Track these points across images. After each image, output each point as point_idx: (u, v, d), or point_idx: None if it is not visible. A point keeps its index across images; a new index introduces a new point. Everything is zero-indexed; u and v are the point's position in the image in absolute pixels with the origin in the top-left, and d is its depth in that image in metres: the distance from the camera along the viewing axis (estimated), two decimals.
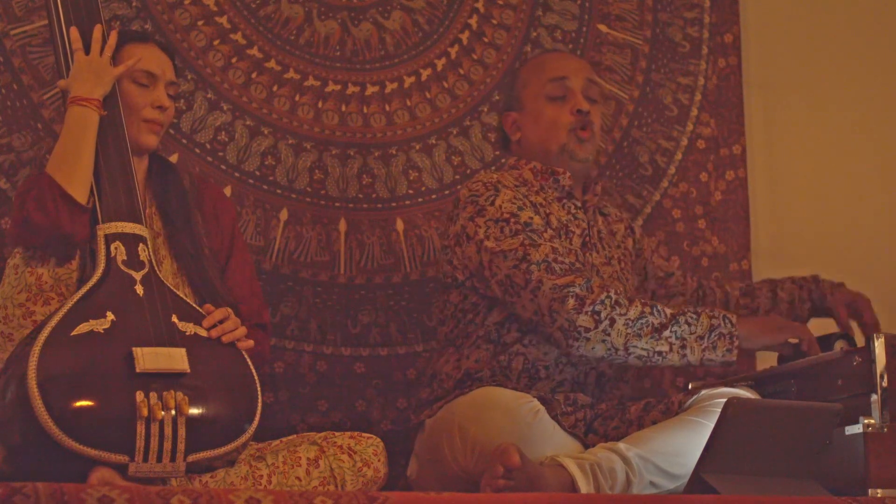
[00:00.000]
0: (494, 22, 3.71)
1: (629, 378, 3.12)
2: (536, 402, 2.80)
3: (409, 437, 3.05)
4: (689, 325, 2.84)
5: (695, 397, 2.84)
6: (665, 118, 3.80)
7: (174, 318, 2.57)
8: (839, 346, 2.89)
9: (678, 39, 3.84)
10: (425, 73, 3.63)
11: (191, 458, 2.45)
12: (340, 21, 3.58)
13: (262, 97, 3.48)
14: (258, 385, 2.59)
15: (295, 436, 2.80)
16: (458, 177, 3.59)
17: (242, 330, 2.64)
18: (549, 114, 3.08)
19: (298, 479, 2.63)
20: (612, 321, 2.80)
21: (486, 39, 3.69)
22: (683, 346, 2.83)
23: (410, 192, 3.56)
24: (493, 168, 3.59)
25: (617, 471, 2.67)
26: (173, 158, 3.29)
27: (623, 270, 3.14)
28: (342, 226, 3.50)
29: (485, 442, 2.72)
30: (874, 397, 2.65)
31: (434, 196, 3.57)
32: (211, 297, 2.72)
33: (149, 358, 2.46)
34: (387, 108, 3.58)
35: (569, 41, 3.75)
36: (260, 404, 2.57)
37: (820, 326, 3.04)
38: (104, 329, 2.49)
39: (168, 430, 2.42)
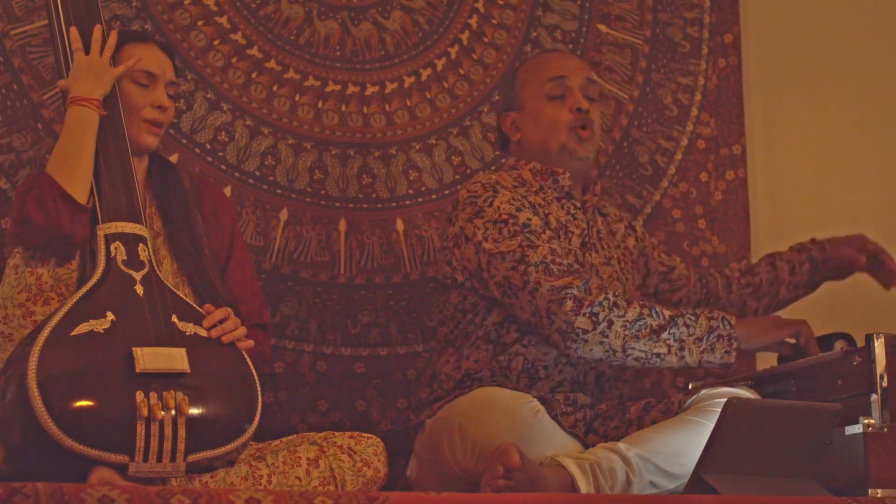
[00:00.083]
0: (494, 22, 3.71)
1: (628, 377, 3.12)
2: (536, 403, 2.80)
3: (409, 437, 3.05)
4: (688, 326, 2.84)
5: (695, 397, 2.84)
6: (665, 118, 3.80)
7: (174, 318, 2.57)
8: (839, 346, 2.89)
9: (678, 39, 3.84)
10: (425, 73, 3.63)
11: (191, 458, 2.45)
12: (340, 21, 3.58)
13: (262, 97, 3.48)
14: (258, 385, 2.59)
15: (295, 436, 2.80)
16: (458, 177, 3.59)
17: (242, 330, 2.64)
18: (548, 113, 3.08)
19: (298, 479, 2.63)
20: (610, 323, 2.80)
21: (486, 39, 3.69)
22: (682, 348, 2.83)
23: (410, 192, 3.56)
24: (492, 168, 3.59)
25: (617, 471, 2.67)
26: (173, 158, 3.29)
27: (623, 270, 3.14)
28: (342, 226, 3.50)
29: (485, 442, 2.72)
30: (874, 397, 2.65)
31: (434, 196, 3.57)
32: (211, 297, 2.72)
33: (149, 358, 2.46)
34: (387, 108, 3.58)
35: (569, 41, 3.75)
36: (260, 404, 2.57)
37: (820, 326, 3.03)
38: (104, 329, 2.49)
39: (168, 430, 2.42)
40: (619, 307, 2.81)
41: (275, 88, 3.50)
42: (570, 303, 2.80)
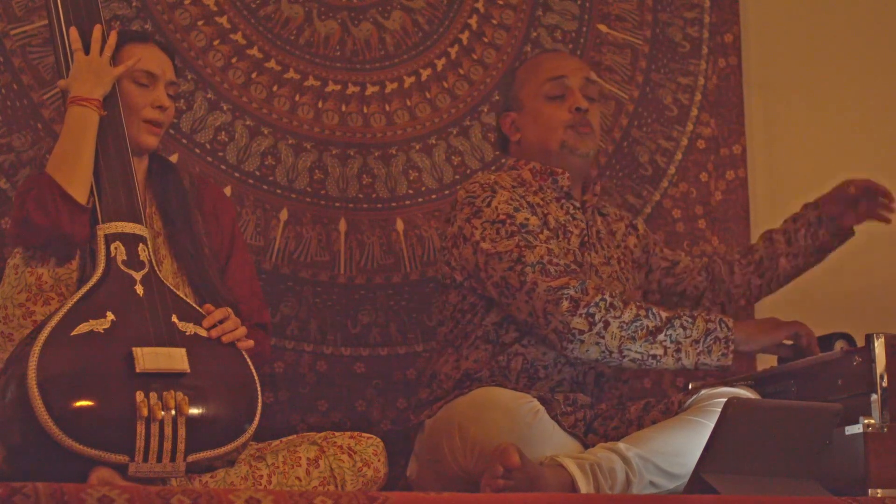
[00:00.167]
0: (494, 22, 3.71)
1: (628, 377, 3.12)
2: (536, 403, 2.80)
3: (409, 438, 3.05)
4: (685, 328, 2.83)
5: (695, 397, 2.84)
6: (665, 118, 3.80)
7: (174, 318, 2.57)
8: (839, 346, 2.89)
9: (678, 39, 3.84)
10: (425, 73, 3.63)
11: (191, 458, 2.45)
12: (340, 21, 3.58)
13: (262, 97, 3.48)
14: (258, 385, 2.59)
15: (295, 436, 2.80)
16: (457, 177, 3.59)
17: (242, 330, 2.64)
18: (547, 113, 3.08)
19: (298, 479, 2.63)
20: (607, 324, 2.80)
21: (486, 39, 3.69)
22: (678, 350, 2.83)
23: (410, 192, 3.56)
24: (492, 168, 3.59)
25: (617, 471, 2.67)
26: (173, 158, 3.29)
27: (623, 270, 3.14)
28: (342, 226, 3.50)
29: (484, 442, 2.72)
30: (874, 397, 2.65)
31: (434, 196, 3.57)
32: (211, 297, 2.72)
33: (149, 358, 2.46)
34: (387, 108, 3.58)
35: (569, 41, 3.75)
36: (260, 404, 2.57)
37: (820, 326, 3.03)
38: (104, 329, 2.49)
39: (168, 430, 2.42)
40: (615, 308, 2.81)
41: (275, 88, 3.50)
42: (566, 303, 2.80)
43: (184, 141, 3.40)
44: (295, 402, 3.38)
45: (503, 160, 3.36)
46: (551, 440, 2.77)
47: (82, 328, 2.47)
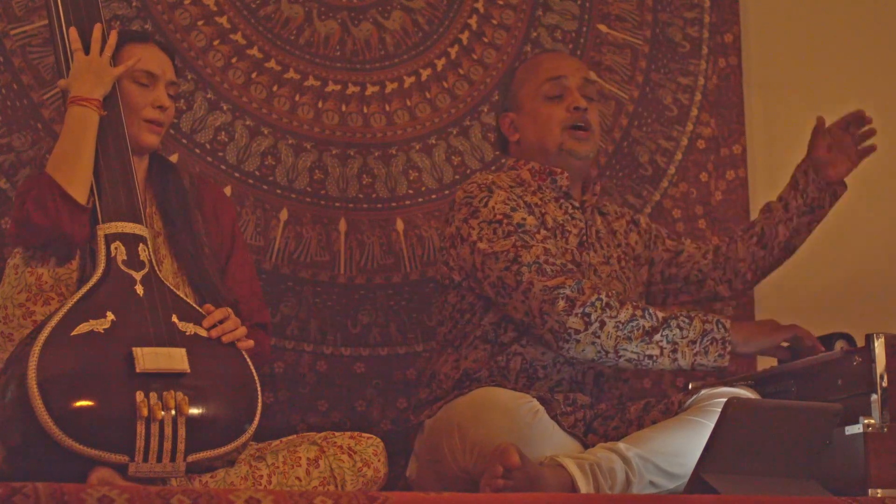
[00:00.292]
0: (494, 22, 3.71)
1: (628, 377, 3.12)
2: (536, 402, 2.80)
3: (409, 438, 3.05)
4: (681, 329, 2.83)
5: (695, 397, 2.84)
6: (665, 118, 3.79)
7: (174, 318, 2.57)
8: (839, 346, 2.88)
9: (678, 39, 3.84)
10: (425, 73, 3.63)
11: (191, 458, 2.45)
12: (340, 21, 3.58)
13: (262, 97, 3.48)
14: (258, 385, 2.59)
15: (295, 436, 2.80)
16: (457, 177, 3.59)
17: (242, 330, 2.64)
18: (545, 112, 3.08)
19: (298, 479, 2.63)
20: (602, 323, 2.80)
21: (486, 39, 3.69)
22: (674, 351, 2.83)
23: (410, 192, 3.56)
24: (492, 168, 3.59)
25: (617, 471, 2.67)
26: (173, 158, 3.29)
27: (623, 269, 3.14)
28: (342, 226, 3.50)
29: (484, 442, 2.72)
30: (874, 397, 2.65)
31: (434, 196, 3.57)
32: (211, 297, 2.72)
33: (149, 358, 2.46)
34: (387, 108, 3.58)
35: (569, 41, 3.75)
36: (260, 404, 2.57)
37: (820, 326, 3.03)
38: (104, 329, 2.49)
39: (168, 430, 2.42)
40: (611, 308, 2.81)
41: (275, 88, 3.50)
42: (562, 303, 2.80)
43: (184, 141, 3.40)
44: (295, 402, 3.38)
45: (503, 160, 3.36)
46: (551, 440, 2.78)
47: (82, 328, 2.47)
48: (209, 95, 3.44)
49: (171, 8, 3.44)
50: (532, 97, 3.11)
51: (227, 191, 3.40)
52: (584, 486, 2.63)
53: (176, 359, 2.49)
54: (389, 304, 3.49)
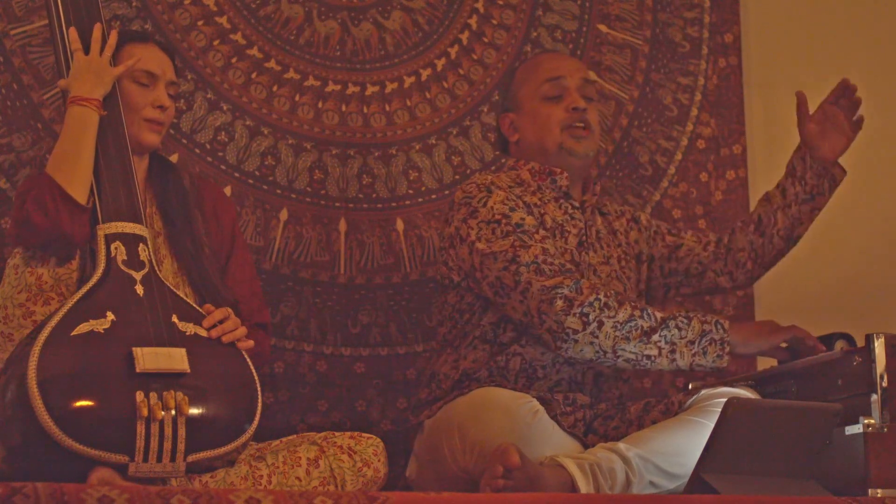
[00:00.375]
0: (494, 22, 3.71)
1: (628, 377, 3.12)
2: (536, 402, 2.80)
3: (409, 438, 3.05)
4: (680, 329, 2.83)
5: (695, 397, 2.84)
6: (665, 118, 3.79)
7: (174, 318, 2.57)
8: (839, 346, 2.88)
9: (678, 39, 3.84)
10: (425, 73, 3.63)
11: (191, 458, 2.45)
12: (340, 21, 3.58)
13: (262, 97, 3.48)
14: (258, 385, 2.59)
15: (295, 436, 2.80)
16: (457, 177, 3.59)
17: (242, 330, 2.64)
18: (545, 113, 3.08)
19: (298, 479, 2.63)
20: (601, 323, 2.80)
21: (486, 39, 3.69)
22: (673, 351, 2.83)
23: (410, 192, 3.56)
24: (492, 168, 3.59)
25: (617, 471, 2.67)
26: (173, 158, 3.29)
27: (623, 269, 3.14)
28: (342, 226, 3.50)
29: (484, 442, 2.72)
30: (874, 397, 2.65)
31: (434, 196, 3.57)
32: (211, 297, 2.72)
33: (149, 358, 2.46)
34: (387, 108, 3.58)
35: (569, 41, 3.75)
36: (260, 404, 2.57)
37: (820, 326, 3.03)
38: (104, 329, 2.49)
39: (168, 430, 2.42)
40: (609, 308, 2.81)
41: (275, 88, 3.50)
42: (560, 302, 2.81)
43: (184, 141, 3.40)
44: (295, 402, 3.38)
45: (502, 160, 3.36)
46: (551, 440, 2.78)
47: (82, 328, 2.47)
48: (209, 95, 3.44)
49: (171, 8, 3.44)
50: (531, 97, 3.11)
51: (227, 191, 3.40)
52: (584, 486, 2.63)
53: (176, 359, 2.49)
54: (389, 304, 3.49)
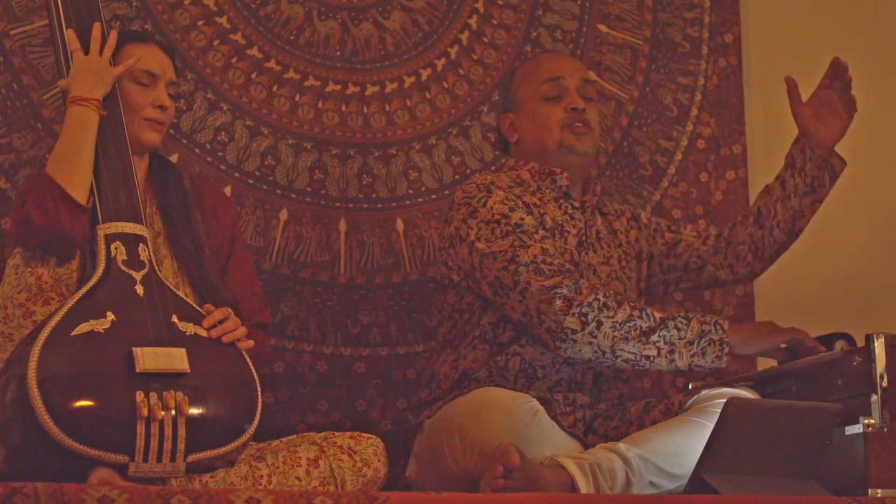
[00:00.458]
0: (494, 22, 3.71)
1: (628, 377, 3.12)
2: (536, 402, 2.80)
3: (409, 438, 3.05)
4: (679, 329, 2.83)
5: (695, 398, 2.84)
6: (665, 118, 3.79)
7: (174, 318, 2.57)
8: (839, 346, 2.88)
9: (678, 39, 3.84)
10: (425, 74, 3.63)
11: (191, 458, 2.45)
12: (340, 21, 3.58)
13: (262, 97, 3.48)
14: (258, 385, 2.59)
15: (295, 436, 2.80)
16: (457, 177, 3.59)
17: (242, 330, 2.64)
18: (544, 113, 3.08)
19: (298, 479, 2.63)
20: (599, 323, 2.80)
21: (485, 39, 3.69)
22: (672, 352, 2.82)
23: (410, 192, 3.56)
24: (492, 168, 3.59)
25: (617, 471, 2.67)
26: (173, 158, 3.29)
27: (623, 269, 3.14)
28: (342, 226, 3.50)
29: (484, 442, 2.72)
30: (874, 397, 2.65)
31: (434, 196, 3.57)
32: (211, 297, 2.72)
33: (149, 358, 2.46)
34: (387, 108, 3.58)
35: (569, 41, 3.75)
36: (260, 404, 2.57)
37: (820, 326, 3.03)
38: (104, 329, 2.49)
39: (168, 430, 2.42)
40: (608, 308, 2.81)
41: (275, 88, 3.50)
42: (559, 302, 2.81)
43: (184, 141, 3.40)
44: (295, 402, 3.38)
45: (502, 160, 3.36)
46: (551, 440, 2.78)
47: (82, 328, 2.47)
48: (209, 95, 3.44)
49: (171, 8, 3.44)
50: (531, 98, 3.11)
51: (227, 191, 3.40)
52: (584, 487, 2.63)
53: (176, 359, 2.49)
54: (389, 304, 3.49)
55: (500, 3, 3.72)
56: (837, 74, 3.02)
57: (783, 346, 2.91)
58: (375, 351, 3.47)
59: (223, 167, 3.43)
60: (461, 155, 3.62)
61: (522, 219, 2.94)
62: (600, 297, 2.81)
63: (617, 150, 3.74)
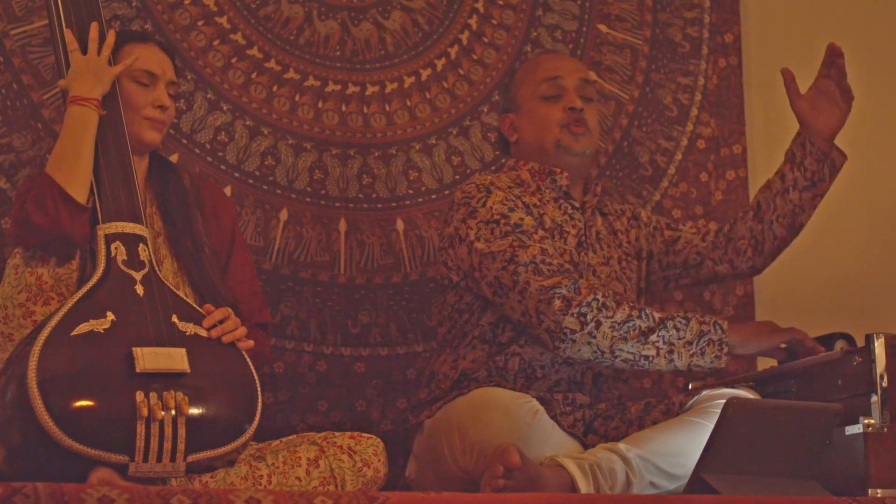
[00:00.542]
0: (494, 22, 3.71)
1: (627, 377, 3.12)
2: (535, 402, 2.80)
3: (409, 438, 3.05)
4: (678, 329, 2.83)
5: (696, 398, 2.84)
6: (665, 118, 3.79)
7: (174, 318, 2.57)
8: (839, 346, 2.88)
9: (678, 39, 3.84)
10: (425, 74, 3.63)
11: (191, 458, 2.45)
12: (340, 21, 3.58)
13: (261, 97, 3.48)
14: (258, 385, 2.59)
15: (295, 436, 2.80)
16: (457, 177, 3.59)
17: (242, 330, 2.64)
18: (542, 113, 3.08)
19: (298, 479, 2.63)
20: (598, 323, 2.80)
21: (486, 39, 3.69)
22: (671, 352, 2.82)
23: (410, 192, 3.56)
24: (492, 169, 3.59)
25: (617, 471, 2.67)
26: (173, 158, 3.29)
27: (624, 269, 3.14)
28: (342, 226, 3.50)
29: (484, 442, 2.72)
30: (874, 397, 2.65)
31: (434, 196, 3.57)
32: (211, 297, 2.72)
33: (149, 358, 2.46)
34: (387, 108, 3.58)
35: (569, 41, 3.75)
36: (260, 404, 2.57)
37: (820, 326, 3.03)
38: (104, 329, 2.49)
39: (168, 430, 2.42)
40: (607, 308, 2.81)
41: (275, 88, 3.50)
42: (558, 302, 2.81)
43: (184, 141, 3.40)
44: (295, 402, 3.38)
45: (503, 160, 3.36)
46: (550, 440, 2.78)
47: (82, 328, 2.47)
48: (209, 95, 3.44)
49: (171, 8, 3.44)
50: (530, 97, 3.11)
51: (227, 191, 3.40)
52: (584, 487, 2.63)
53: (176, 359, 2.49)
54: (389, 304, 3.49)
55: (500, 3, 3.72)
56: (834, 62, 3.01)
57: (783, 345, 2.91)
58: (375, 351, 3.47)
59: (223, 167, 3.43)
60: (461, 155, 3.62)
61: (522, 219, 2.94)
62: (599, 297, 2.81)
63: (617, 150, 3.75)
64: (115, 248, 2.61)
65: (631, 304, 2.84)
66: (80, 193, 2.61)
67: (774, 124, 3.81)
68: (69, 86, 2.70)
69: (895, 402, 2.65)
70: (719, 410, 2.56)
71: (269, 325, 2.97)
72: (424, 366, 3.30)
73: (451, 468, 2.83)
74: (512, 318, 2.91)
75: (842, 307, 3.73)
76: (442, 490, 2.72)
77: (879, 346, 2.66)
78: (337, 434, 2.74)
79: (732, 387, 2.89)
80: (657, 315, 2.83)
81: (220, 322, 2.62)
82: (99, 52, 2.73)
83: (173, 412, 2.43)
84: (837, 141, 3.08)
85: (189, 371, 2.49)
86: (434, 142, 3.60)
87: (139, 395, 2.41)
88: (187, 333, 2.57)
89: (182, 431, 2.43)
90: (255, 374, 2.60)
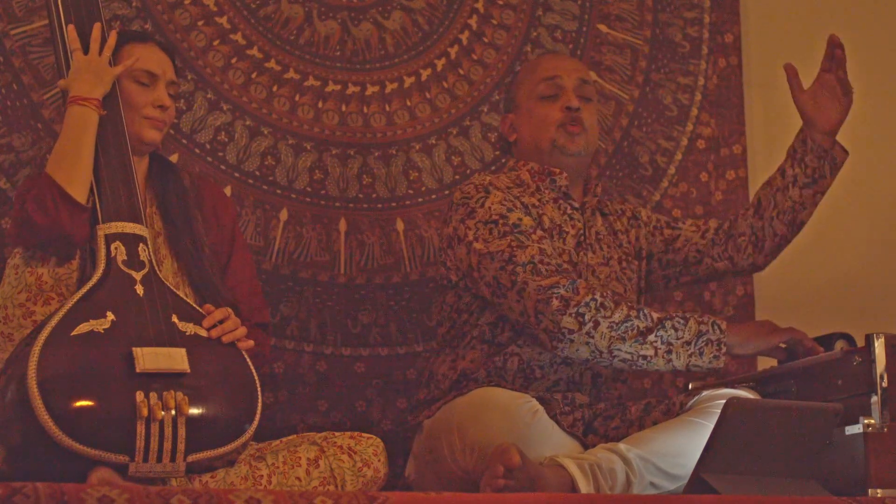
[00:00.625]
0: (494, 22, 3.71)
1: (626, 377, 3.12)
2: (535, 402, 2.80)
3: (409, 438, 3.05)
4: (676, 329, 2.83)
5: (696, 398, 2.84)
6: (665, 118, 3.79)
7: (174, 318, 2.57)
8: (839, 346, 2.88)
9: (678, 39, 3.84)
10: (425, 74, 3.63)
11: (191, 458, 2.45)
12: (340, 21, 3.58)
13: (261, 97, 3.48)
14: (258, 385, 2.59)
15: (295, 436, 2.80)
16: (457, 177, 3.59)
17: (242, 330, 2.64)
18: (540, 112, 3.08)
19: (298, 479, 2.63)
20: (596, 323, 2.80)
21: (485, 39, 3.69)
22: (669, 352, 2.82)
23: (410, 192, 3.56)
24: (492, 169, 3.59)
25: (617, 471, 2.67)
26: (173, 158, 3.29)
27: (623, 270, 3.14)
28: (342, 226, 3.50)
29: (484, 442, 2.72)
30: (874, 397, 2.65)
31: (434, 196, 3.57)
32: (211, 297, 2.72)
33: (149, 358, 2.46)
34: (387, 108, 3.58)
35: (569, 41, 3.75)
36: (260, 404, 2.57)
37: (820, 326, 3.03)
38: (104, 329, 2.49)
39: (168, 431, 2.42)
40: (605, 308, 2.81)
41: (275, 88, 3.50)
42: (556, 302, 2.80)
43: (184, 141, 3.40)
44: (295, 402, 3.38)
45: (503, 161, 3.36)
46: (550, 440, 2.78)
47: (82, 328, 2.47)
48: (209, 95, 3.44)
49: (171, 8, 3.44)
50: (528, 97, 3.11)
51: (227, 191, 3.40)
52: (584, 487, 2.63)
53: (176, 359, 2.49)
54: (389, 304, 3.49)
55: (500, 3, 3.72)
56: (834, 55, 3.01)
57: (782, 345, 2.91)
58: (375, 351, 3.47)
59: (223, 167, 3.43)
60: (461, 155, 3.62)
61: (520, 219, 2.94)
62: (597, 297, 2.81)
63: (617, 150, 3.75)
64: (115, 248, 2.61)
65: (629, 305, 2.84)
66: (80, 193, 2.61)
67: (774, 124, 3.81)
68: (69, 86, 2.70)
69: (895, 402, 2.65)
70: (719, 410, 2.56)
71: (269, 325, 2.97)
72: (424, 366, 3.30)
73: (451, 468, 2.83)
74: (510, 318, 2.91)
75: (842, 307, 3.73)
76: (442, 490, 2.72)
77: (879, 346, 2.66)
78: (337, 434, 2.74)
79: (732, 387, 2.89)
80: (655, 315, 2.83)
81: (220, 322, 2.62)
82: (100, 53, 2.73)
83: (173, 412, 2.43)
84: (838, 139, 3.08)
85: (189, 371, 2.49)
86: (434, 142, 3.60)
87: (139, 395, 2.41)
88: (187, 333, 2.57)
89: (182, 431, 2.43)
90: (255, 374, 2.60)
